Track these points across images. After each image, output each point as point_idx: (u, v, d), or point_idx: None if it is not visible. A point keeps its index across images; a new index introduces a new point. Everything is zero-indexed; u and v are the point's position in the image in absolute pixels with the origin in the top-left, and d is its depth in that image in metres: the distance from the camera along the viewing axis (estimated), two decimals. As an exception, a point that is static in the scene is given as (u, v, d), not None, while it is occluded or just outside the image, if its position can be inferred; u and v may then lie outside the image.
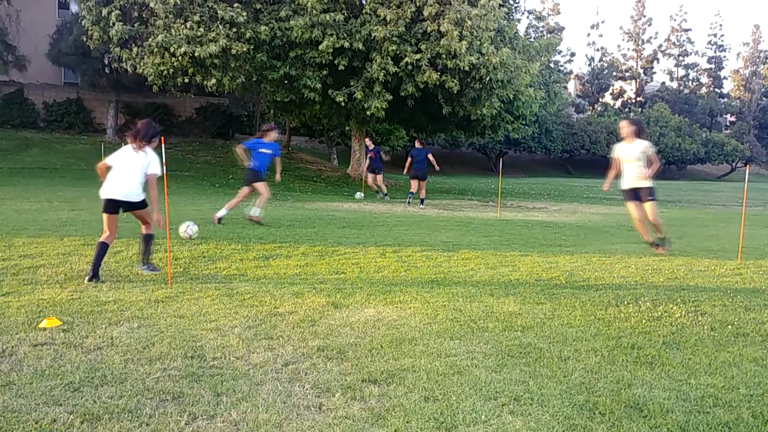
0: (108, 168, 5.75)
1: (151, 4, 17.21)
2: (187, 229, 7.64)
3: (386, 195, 17.25)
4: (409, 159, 15.51)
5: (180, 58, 17.23)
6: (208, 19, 17.30)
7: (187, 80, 18.89)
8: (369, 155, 17.32)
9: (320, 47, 17.31)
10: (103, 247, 5.55)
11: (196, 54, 16.83)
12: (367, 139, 18.13)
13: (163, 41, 16.98)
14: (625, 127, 7.67)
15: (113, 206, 5.71)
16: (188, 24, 16.98)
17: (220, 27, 16.95)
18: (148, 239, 5.92)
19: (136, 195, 5.70)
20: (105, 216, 5.70)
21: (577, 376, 3.36)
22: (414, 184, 15.62)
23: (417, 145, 15.91)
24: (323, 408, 2.91)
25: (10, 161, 21.37)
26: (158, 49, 17.51)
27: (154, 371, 3.29)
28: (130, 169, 5.70)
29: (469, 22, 16.96)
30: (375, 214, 12.54)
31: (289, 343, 3.83)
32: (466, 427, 2.75)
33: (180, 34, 16.88)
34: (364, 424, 2.74)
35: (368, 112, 18.79)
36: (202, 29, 17.01)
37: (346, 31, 17.69)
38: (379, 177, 17.31)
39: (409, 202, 15.64)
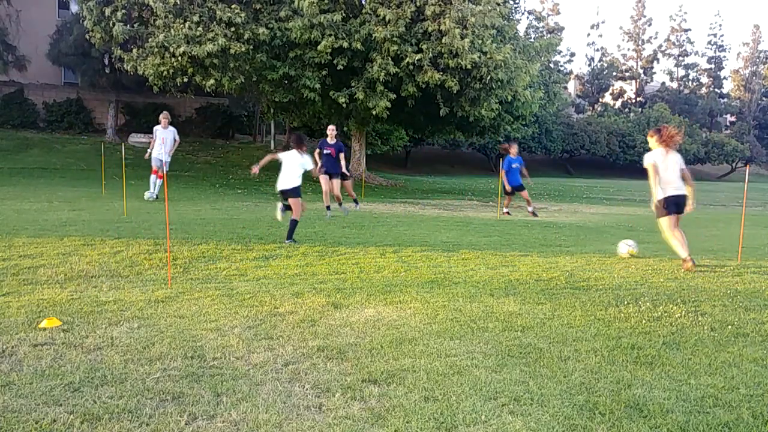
0: (273, 160, 8.29)
1: (151, 3, 17.23)
2: (622, 247, 7.72)
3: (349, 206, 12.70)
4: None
5: (179, 58, 17.25)
6: (207, 19, 17.32)
7: (186, 80, 18.91)
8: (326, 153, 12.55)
9: (318, 48, 17.32)
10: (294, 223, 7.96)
11: (194, 54, 16.85)
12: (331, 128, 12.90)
13: (164, 41, 17.00)
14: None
15: (282, 194, 8.20)
16: (187, 24, 17.00)
17: (218, 27, 16.97)
18: (294, 223, 7.99)
19: (294, 184, 8.04)
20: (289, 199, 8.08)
21: (577, 376, 3.36)
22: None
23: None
24: (323, 408, 2.91)
25: (10, 161, 21.38)
26: (158, 50, 17.53)
27: (154, 371, 3.29)
28: (293, 167, 8.05)
29: (472, 20, 16.96)
30: (375, 214, 12.54)
31: (289, 343, 3.83)
32: (466, 427, 2.74)
33: (179, 34, 16.90)
34: (364, 424, 2.74)
35: (374, 112, 18.78)
36: (201, 29, 17.02)
37: (345, 32, 17.69)
38: (336, 182, 12.62)
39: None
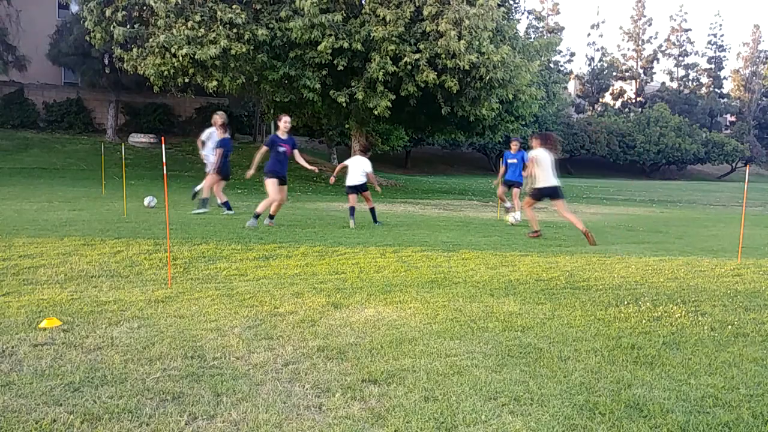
0: (344, 167, 10.50)
1: (152, 3, 17.23)
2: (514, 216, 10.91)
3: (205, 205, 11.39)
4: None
5: (181, 59, 17.25)
6: (208, 19, 17.32)
7: (187, 80, 18.92)
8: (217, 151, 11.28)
9: (319, 48, 17.32)
10: (352, 209, 10.14)
11: (197, 56, 16.84)
12: (218, 123, 11.50)
13: (165, 42, 17.00)
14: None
15: (353, 189, 10.27)
16: (189, 24, 17.00)
17: (220, 27, 16.97)
18: (372, 210, 10.67)
19: (362, 181, 10.24)
20: (350, 195, 10.35)
21: (577, 376, 3.36)
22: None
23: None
24: (323, 408, 2.91)
25: (10, 161, 21.38)
26: (159, 50, 17.53)
27: (154, 371, 3.29)
28: (358, 167, 10.32)
29: (467, 22, 16.97)
30: (375, 214, 12.53)
31: (289, 343, 3.83)
32: (466, 427, 2.74)
33: (181, 35, 16.90)
34: (364, 424, 2.74)
35: (375, 112, 18.79)
36: (202, 30, 17.03)
37: (345, 32, 17.71)
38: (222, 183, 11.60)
39: None
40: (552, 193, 9.13)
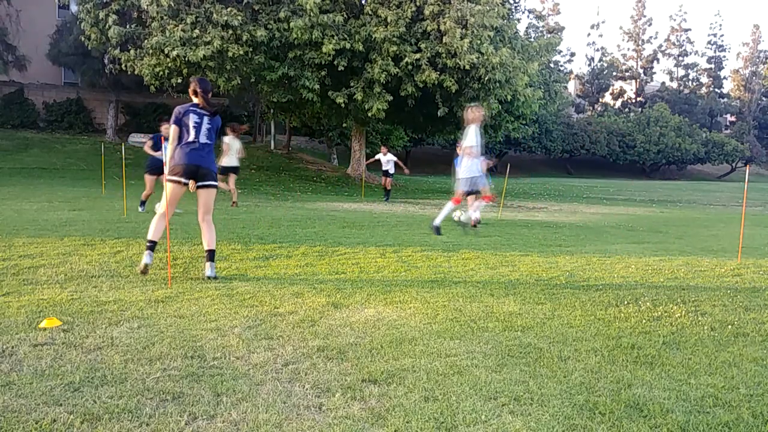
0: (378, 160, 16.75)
1: (145, 5, 17.25)
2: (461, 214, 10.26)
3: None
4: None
5: (174, 59, 17.27)
6: (204, 20, 17.31)
7: (182, 81, 18.95)
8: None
9: (323, 49, 17.32)
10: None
11: (188, 58, 16.84)
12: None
13: (158, 43, 17.01)
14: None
15: (386, 174, 17.58)
16: (181, 26, 16.99)
17: (214, 30, 16.96)
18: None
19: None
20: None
21: (577, 376, 3.36)
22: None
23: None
24: (323, 408, 2.91)
25: (10, 161, 21.38)
26: (153, 51, 17.55)
27: (154, 371, 3.29)
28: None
29: (472, 20, 16.96)
30: (375, 214, 12.54)
31: (289, 343, 3.83)
32: (466, 427, 2.74)
33: (174, 36, 16.89)
34: (364, 424, 2.74)
35: (369, 114, 18.79)
36: (197, 31, 17.01)
37: (346, 32, 17.70)
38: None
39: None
40: (234, 170, 12.61)
